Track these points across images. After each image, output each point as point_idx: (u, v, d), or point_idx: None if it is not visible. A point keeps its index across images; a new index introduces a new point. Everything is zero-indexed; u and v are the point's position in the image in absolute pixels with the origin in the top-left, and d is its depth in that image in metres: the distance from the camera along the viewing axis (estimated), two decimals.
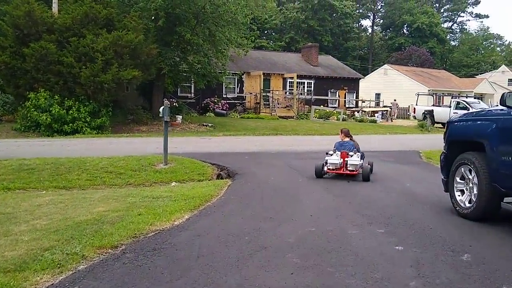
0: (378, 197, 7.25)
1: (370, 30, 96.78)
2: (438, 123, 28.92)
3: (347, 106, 37.31)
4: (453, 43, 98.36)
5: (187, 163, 10.87)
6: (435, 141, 18.75)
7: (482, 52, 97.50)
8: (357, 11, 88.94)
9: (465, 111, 28.82)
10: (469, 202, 5.79)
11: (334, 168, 9.12)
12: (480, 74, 70.88)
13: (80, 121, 19.30)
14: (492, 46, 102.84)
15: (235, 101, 32.35)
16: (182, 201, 6.73)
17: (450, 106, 28.81)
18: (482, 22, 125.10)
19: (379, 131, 23.99)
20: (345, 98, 37.92)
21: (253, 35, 27.34)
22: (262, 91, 32.11)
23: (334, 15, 75.14)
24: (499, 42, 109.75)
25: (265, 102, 32.47)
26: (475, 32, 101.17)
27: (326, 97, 36.34)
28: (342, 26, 76.00)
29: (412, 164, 11.56)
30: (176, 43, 23.49)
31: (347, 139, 10.07)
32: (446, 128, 6.59)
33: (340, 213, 6.13)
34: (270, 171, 9.89)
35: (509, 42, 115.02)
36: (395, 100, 37.70)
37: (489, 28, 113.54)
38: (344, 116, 31.42)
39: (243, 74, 32.56)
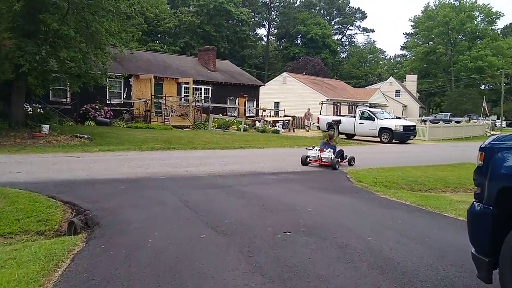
0: (344, 281, 4.14)
1: (265, 39, 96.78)
2: (342, 133, 27.45)
3: (247, 115, 34.77)
4: (343, 55, 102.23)
5: (24, 201, 6.97)
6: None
7: (368, 65, 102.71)
8: (253, 19, 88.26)
9: (371, 121, 28.06)
10: None
11: (313, 159, 13.05)
12: (370, 85, 73.63)
13: None
14: (376, 59, 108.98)
15: (122, 108, 27.95)
16: None
17: (354, 116, 27.50)
18: (368, 36, 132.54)
19: (285, 143, 21.51)
20: (245, 106, 35.36)
21: (139, 29, 23.25)
22: (153, 97, 28.15)
23: (230, 21, 73.22)
24: (382, 56, 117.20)
25: (156, 110, 28.52)
26: (363, 45, 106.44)
27: (225, 105, 33.42)
28: (239, 33, 74.37)
29: (348, 193, 8.82)
30: (43, 35, 18.82)
31: (330, 141, 14.11)
32: (483, 161, 3.64)
33: None
34: (154, 216, 6.39)
35: (390, 56, 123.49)
36: (308, 110, 35.90)
37: (375, 42, 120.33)
38: (245, 126, 28.71)
39: (130, 77, 28.34)
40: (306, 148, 13.65)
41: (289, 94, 43.36)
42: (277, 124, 32.52)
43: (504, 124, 59.23)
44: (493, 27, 78.75)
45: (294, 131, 32.48)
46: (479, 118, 52.19)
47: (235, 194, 8.20)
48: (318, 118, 29.50)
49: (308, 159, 13.02)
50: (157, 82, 29.10)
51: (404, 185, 10.95)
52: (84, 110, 25.65)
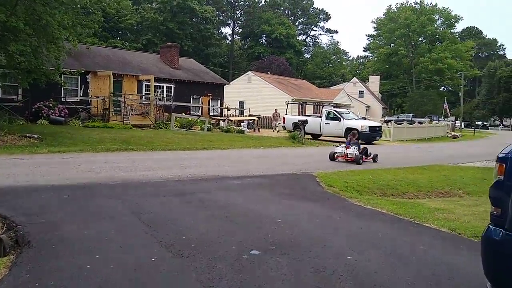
0: None
1: (230, 38, 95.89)
2: (308, 134, 26.94)
3: (211, 114, 33.81)
4: (307, 55, 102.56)
5: None
6: (320, 157, 16.02)
7: (332, 65, 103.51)
8: (217, 17, 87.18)
9: (337, 122, 27.72)
10: None
11: (339, 155, 14.72)
12: (334, 85, 74.01)
13: None
14: (339, 60, 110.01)
15: (78, 106, 26.43)
16: None
17: (320, 116, 27.06)
18: (332, 37, 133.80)
19: (250, 144, 20.71)
20: (209, 105, 34.39)
21: (95, 22, 21.82)
22: (112, 94, 26.77)
23: (194, 19, 71.90)
24: (345, 57, 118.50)
25: (115, 108, 27.16)
26: (327, 46, 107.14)
27: (188, 104, 32.35)
28: (203, 31, 73.14)
29: (319, 200, 8.12)
30: None
31: (354, 139, 15.28)
32: (503, 174, 2.91)
33: None
34: (98, 233, 5.43)
35: (353, 58, 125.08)
36: (276, 110, 35.15)
37: (338, 43, 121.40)
38: (209, 125, 27.77)
39: (88, 74, 26.87)
40: (333, 145, 16.57)
41: (254, 93, 42.69)
42: (242, 124, 31.71)
43: (462, 125, 60.56)
44: (452, 30, 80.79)
45: (259, 131, 31.77)
46: (440, 119, 53.12)
47: (196, 203, 7.36)
48: (284, 118, 28.91)
49: (335, 155, 14.84)
50: (116, 79, 27.73)
51: (376, 189, 10.40)
52: (36, 108, 24.07)
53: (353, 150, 14.53)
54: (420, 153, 20.71)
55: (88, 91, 27.42)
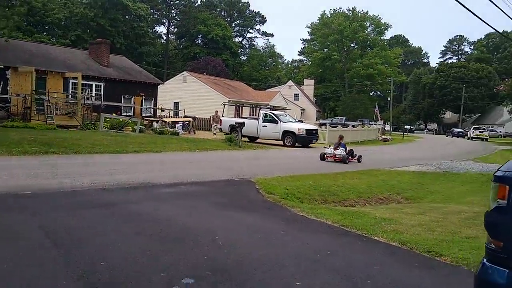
0: None
1: (165, 37, 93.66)
2: (245, 136, 26.41)
3: (144, 115, 32.36)
4: (243, 57, 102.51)
5: None
6: (258, 161, 15.50)
7: (268, 68, 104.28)
8: (152, 15, 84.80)
9: (274, 124, 27.40)
10: None
11: (329, 155, 16.96)
12: (269, 88, 74.32)
13: None
14: (275, 63, 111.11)
15: None
16: None
17: (257, 119, 26.62)
18: (268, 40, 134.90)
19: (185, 147, 19.77)
20: (141, 105, 32.91)
21: (16, 14, 19.91)
22: (34, 92, 24.71)
23: (127, 16, 69.38)
24: (280, 60, 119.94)
25: (38, 107, 25.07)
26: (262, 49, 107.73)
27: (120, 104, 30.71)
28: (136, 29, 70.76)
29: (260, 211, 7.51)
30: None
31: (341, 141, 17.87)
32: (507, 199, 2.32)
33: None
34: None
35: (288, 61, 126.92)
36: (216, 112, 34.12)
37: (274, 46, 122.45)
38: (141, 126, 26.45)
39: (7, 70, 24.64)
40: (324, 147, 18.83)
41: (190, 94, 41.58)
42: (176, 125, 30.61)
43: (391, 128, 62.95)
44: (382, 38, 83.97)
45: (195, 133, 30.82)
46: (371, 122, 54.80)
47: (121, 217, 6.46)
48: (220, 120, 28.17)
49: (325, 155, 17.15)
50: (39, 76, 25.68)
51: (317, 196, 9.99)
52: None
53: (340, 151, 16.87)
54: None
55: (8, 88, 25.18)
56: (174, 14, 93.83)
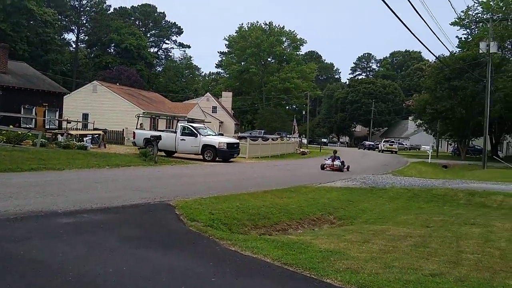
0: None
1: (74, 45, 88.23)
2: (161, 150, 24.66)
3: (47, 127, 29.29)
4: (159, 68, 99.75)
5: None
6: (176, 180, 13.99)
7: (184, 80, 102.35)
8: (60, 22, 79.51)
9: (193, 138, 25.92)
10: None
11: (328, 165, 21.19)
12: (187, 100, 72.53)
13: None
14: (192, 75, 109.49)
15: None
16: None
17: (175, 132, 25.01)
18: (184, 51, 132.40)
19: (93, 163, 17.69)
20: (45, 117, 29.80)
21: None
22: None
23: (32, 21, 64.22)
24: (198, 72, 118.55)
25: None
26: (179, 60, 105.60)
27: (19, 115, 27.48)
28: (42, 35, 65.76)
29: (181, 246, 6.13)
30: None
31: (337, 155, 22.23)
32: None
33: None
34: None
35: (205, 74, 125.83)
36: (141, 124, 31.59)
37: (191, 57, 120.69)
38: (44, 140, 23.64)
39: None
40: (325, 159, 22.66)
41: (101, 105, 38.71)
42: (85, 139, 27.94)
43: (306, 141, 64.00)
44: (297, 52, 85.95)
45: (105, 147, 28.36)
46: (288, 135, 55.12)
47: None
48: (134, 133, 26.12)
49: (325, 166, 21.54)
50: None
51: (246, 220, 8.79)
52: None
53: (338, 162, 21.46)
54: (281, 172, 20.04)
55: None
56: (84, 21, 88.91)
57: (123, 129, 34.19)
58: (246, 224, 8.55)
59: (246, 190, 12.11)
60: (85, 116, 38.32)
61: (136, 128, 26.59)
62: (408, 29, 16.68)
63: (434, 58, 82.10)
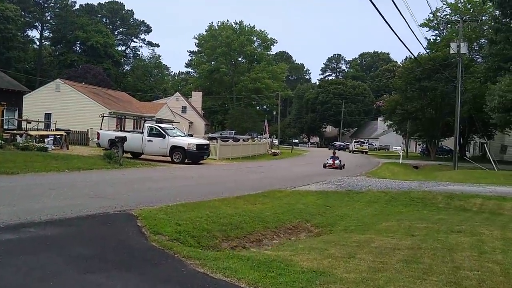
0: None
1: (38, 42, 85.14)
2: (127, 152, 23.50)
3: (5, 127, 27.62)
4: (127, 67, 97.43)
5: None
6: (141, 184, 12.99)
7: (153, 79, 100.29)
8: (23, 18, 76.48)
9: (161, 139, 24.82)
10: None
11: (329, 164, 24.90)
12: (156, 100, 70.84)
13: None
14: (161, 75, 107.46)
15: None
16: None
17: (142, 132, 23.88)
18: (153, 50, 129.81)
19: (52, 166, 16.47)
20: (3, 116, 28.10)
21: None
22: None
23: None
24: (167, 72, 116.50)
25: None
26: (148, 59, 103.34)
27: None
28: (3, 32, 63.16)
29: (140, 268, 5.22)
30: None
31: (335, 155, 26.74)
32: None
33: None
34: None
35: (175, 73, 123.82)
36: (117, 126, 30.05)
37: (160, 56, 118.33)
38: (0, 141, 22.13)
39: None
40: (327, 159, 26.11)
41: (64, 105, 36.99)
42: (46, 140, 26.43)
43: (277, 142, 63.48)
44: (268, 52, 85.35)
45: (68, 148, 26.91)
46: (259, 136, 54.43)
47: None
48: (98, 134, 24.83)
49: (326, 165, 25.10)
50: None
51: (217, 231, 7.96)
52: None
53: (338, 162, 25.28)
54: (253, 175, 19.21)
55: None
56: (49, 18, 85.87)
57: (88, 130, 32.71)
58: (216, 236, 7.72)
59: (217, 195, 11.27)
60: (48, 116, 36.58)
61: (101, 129, 25.25)
62: (393, 30, 16.24)
63: (402, 59, 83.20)
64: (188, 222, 7.92)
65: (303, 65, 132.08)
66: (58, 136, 28.09)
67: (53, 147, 25.99)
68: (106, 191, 10.84)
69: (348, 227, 9.72)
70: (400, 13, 19.47)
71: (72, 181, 12.78)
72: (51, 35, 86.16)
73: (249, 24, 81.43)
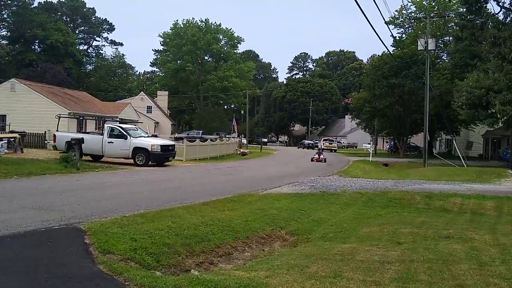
0: None
1: None
2: (87, 155, 22.05)
3: None
4: (89, 67, 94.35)
5: None
6: (97, 191, 11.75)
7: (117, 79, 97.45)
8: None
9: (122, 140, 23.44)
10: None
11: (316, 159, 30.95)
12: (120, 100, 68.62)
13: None
14: (125, 74, 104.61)
15: None
16: None
17: (102, 134, 22.45)
18: (117, 49, 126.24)
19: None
20: None
21: None
22: None
23: None
24: (131, 71, 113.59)
25: None
26: (111, 58, 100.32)
27: None
28: None
29: None
30: None
31: (320, 151, 34.34)
32: None
33: None
34: None
35: (140, 72, 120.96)
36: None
37: (124, 55, 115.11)
38: None
39: None
40: (314, 154, 32.50)
41: (20, 106, 34.84)
42: None
43: (246, 141, 62.60)
44: (235, 51, 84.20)
45: (22, 152, 25.18)
46: (227, 135, 53.36)
47: None
48: (55, 136, 23.21)
49: (313, 159, 30.80)
50: None
51: (180, 246, 6.91)
52: None
53: (323, 156, 31.17)
54: (222, 177, 18.12)
55: None
56: (5, 16, 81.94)
57: (45, 132, 30.84)
58: (179, 252, 6.68)
59: (181, 202, 10.20)
60: (3, 118, 34.44)
61: (57, 130, 23.63)
62: (375, 31, 15.50)
63: (367, 58, 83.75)
64: (146, 236, 6.85)
65: (271, 64, 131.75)
66: (12, 139, 26.26)
67: (6, 150, 24.24)
68: (54, 201, 9.59)
69: (327, 234, 8.85)
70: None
71: (15, 189, 11.40)
72: (8, 34, 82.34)
73: (215, 22, 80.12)
